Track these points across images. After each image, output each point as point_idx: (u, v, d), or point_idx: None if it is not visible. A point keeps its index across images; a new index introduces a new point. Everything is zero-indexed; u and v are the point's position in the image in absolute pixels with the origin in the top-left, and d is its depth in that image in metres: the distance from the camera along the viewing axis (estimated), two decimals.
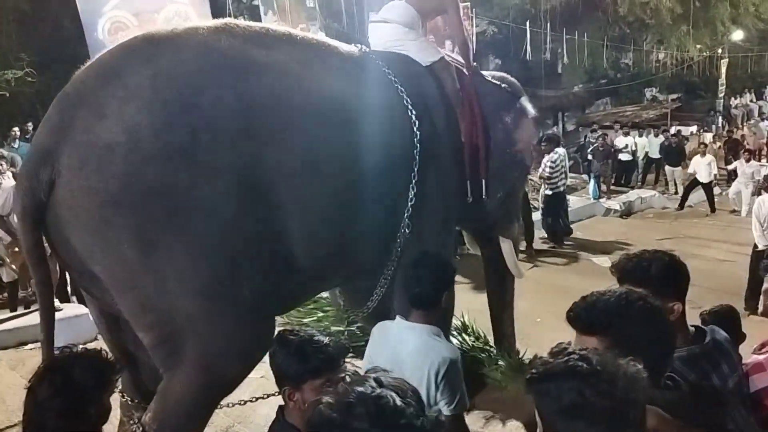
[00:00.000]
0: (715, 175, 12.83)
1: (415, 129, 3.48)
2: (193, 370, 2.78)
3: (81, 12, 9.69)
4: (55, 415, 1.72)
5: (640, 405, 1.31)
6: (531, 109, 4.40)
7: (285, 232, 2.94)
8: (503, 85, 4.27)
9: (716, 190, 13.42)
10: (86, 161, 2.57)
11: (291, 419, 1.95)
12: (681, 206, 12.79)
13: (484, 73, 4.42)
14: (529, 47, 14.05)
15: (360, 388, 1.20)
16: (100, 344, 5.72)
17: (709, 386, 1.74)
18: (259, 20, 11.79)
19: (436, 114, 3.70)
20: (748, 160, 12.84)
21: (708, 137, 17.67)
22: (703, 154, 12.94)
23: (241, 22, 3.29)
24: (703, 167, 12.61)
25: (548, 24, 14.71)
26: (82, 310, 6.20)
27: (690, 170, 12.94)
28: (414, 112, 3.49)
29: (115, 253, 2.65)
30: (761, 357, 2.00)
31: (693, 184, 12.91)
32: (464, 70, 4.01)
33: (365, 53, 3.68)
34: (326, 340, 1.98)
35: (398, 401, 1.17)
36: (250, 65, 2.95)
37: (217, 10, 11.37)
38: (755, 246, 6.96)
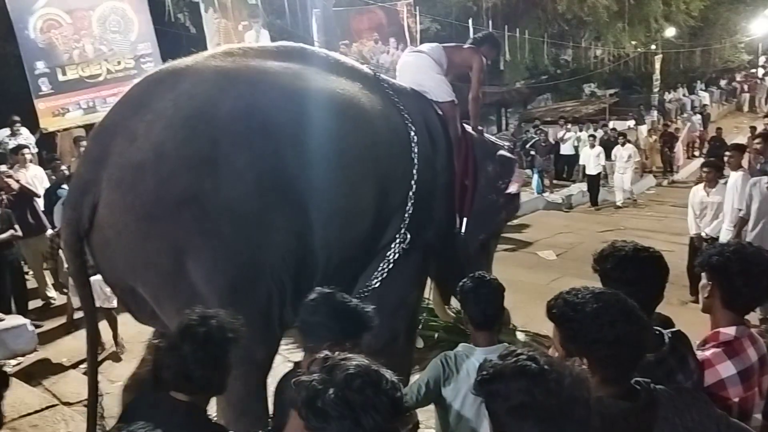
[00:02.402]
0: (603, 166, 12.95)
1: (414, 153, 3.69)
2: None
3: (10, 10, 9.29)
4: (201, 366, 1.97)
5: (587, 403, 1.33)
6: (517, 171, 4.63)
7: (306, 228, 3.14)
8: (506, 145, 4.64)
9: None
10: (121, 181, 2.84)
11: None
12: (594, 203, 12.98)
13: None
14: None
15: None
16: (40, 354, 5.60)
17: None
18: (200, 17, 11.58)
19: (437, 144, 3.96)
20: (623, 144, 13.08)
21: (643, 130, 18.31)
22: (592, 146, 13.07)
23: (254, 45, 3.70)
24: (591, 159, 12.80)
25: (490, 21, 14.91)
26: (22, 321, 6.01)
27: (581, 162, 13.12)
28: (416, 139, 3.72)
29: (154, 264, 2.90)
30: (708, 353, 2.06)
31: (590, 177, 13.08)
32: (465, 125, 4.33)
33: (374, 75, 3.91)
34: (361, 308, 2.18)
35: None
36: (265, 73, 3.21)
37: (156, 7, 11.09)
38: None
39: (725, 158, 6.83)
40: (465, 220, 4.13)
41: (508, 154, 4.53)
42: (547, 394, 1.29)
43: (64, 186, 7.22)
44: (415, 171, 3.69)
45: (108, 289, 5.45)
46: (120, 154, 2.86)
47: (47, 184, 7.72)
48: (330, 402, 1.26)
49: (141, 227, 2.84)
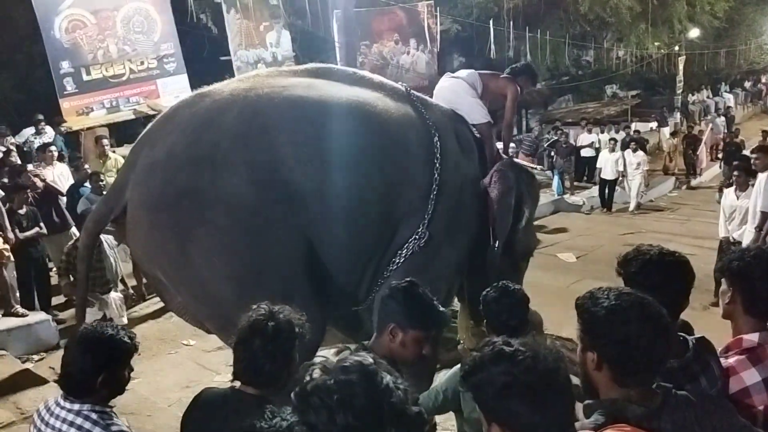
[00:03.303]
0: (620, 172, 12.58)
1: (436, 150, 3.76)
2: None
3: (36, 10, 9.45)
4: (271, 359, 2.04)
5: (565, 373, 1.40)
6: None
7: (309, 220, 3.32)
8: (521, 168, 4.58)
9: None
10: (139, 180, 3.32)
11: (375, 350, 2.17)
12: (608, 208, 12.70)
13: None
14: (492, 45, 14.13)
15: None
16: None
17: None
18: (222, 18, 11.66)
19: (470, 159, 4.07)
20: (635, 150, 12.81)
21: (666, 132, 18.10)
22: (612, 150, 12.76)
23: (287, 67, 3.84)
24: (610, 163, 12.50)
25: (511, 22, 14.82)
26: (44, 317, 6.11)
27: (598, 165, 12.82)
28: (439, 144, 3.78)
29: (164, 252, 3.30)
30: (731, 360, 2.03)
31: (603, 181, 12.77)
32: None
33: (401, 87, 4.04)
34: (435, 306, 2.29)
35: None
36: (273, 88, 3.49)
37: (178, 8, 11.19)
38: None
39: (752, 161, 6.70)
40: (498, 239, 4.10)
41: (529, 196, 4.45)
42: (526, 371, 1.35)
43: (87, 184, 7.33)
44: (437, 174, 3.73)
45: (121, 311, 5.67)
46: (143, 158, 3.36)
47: (72, 182, 7.83)
48: (314, 388, 1.28)
49: (150, 218, 3.28)
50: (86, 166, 8.01)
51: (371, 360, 1.35)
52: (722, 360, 2.03)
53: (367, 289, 3.75)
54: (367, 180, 3.51)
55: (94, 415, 2.05)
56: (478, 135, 4.26)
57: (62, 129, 9.84)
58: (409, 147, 3.72)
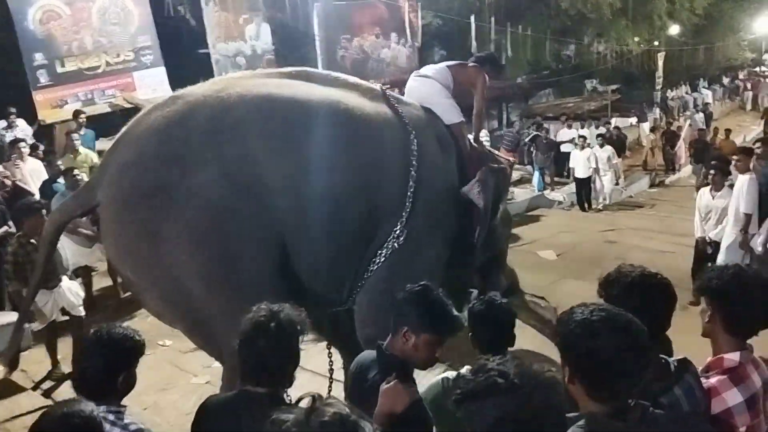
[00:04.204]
0: (594, 169, 12.43)
1: (413, 156, 3.72)
2: (220, 351, 3.29)
3: (9, 1, 9.23)
4: (277, 357, 2.07)
5: (559, 408, 1.40)
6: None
7: (281, 217, 3.29)
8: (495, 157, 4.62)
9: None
10: (111, 181, 3.32)
11: (390, 350, 2.28)
12: (586, 206, 12.51)
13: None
14: (474, 40, 14.10)
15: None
16: (33, 353, 5.55)
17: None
18: (200, 10, 11.50)
19: (448, 159, 4.04)
20: (602, 146, 12.70)
21: (645, 128, 18.22)
22: (582, 147, 12.60)
23: (263, 70, 3.98)
24: (581, 162, 12.35)
25: (493, 17, 14.81)
26: (15, 317, 5.96)
27: (571, 164, 12.69)
28: (415, 141, 3.76)
29: (135, 251, 3.28)
30: (713, 381, 2.00)
31: (578, 181, 12.62)
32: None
33: (375, 87, 4.04)
34: (451, 310, 2.31)
35: None
36: (244, 88, 3.47)
37: (156, 0, 11.00)
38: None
39: (733, 162, 6.73)
40: (479, 232, 4.15)
41: (502, 186, 4.55)
42: (519, 407, 1.36)
43: (60, 180, 7.17)
44: (414, 172, 3.70)
45: (77, 299, 5.49)
46: (116, 158, 3.36)
47: (46, 177, 7.66)
48: None
49: (121, 217, 3.28)
50: (59, 162, 7.83)
51: (348, 410, 1.32)
52: (703, 380, 2.00)
53: (349, 289, 3.71)
54: (342, 177, 3.47)
55: (111, 416, 2.11)
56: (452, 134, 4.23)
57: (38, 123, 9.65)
58: (385, 145, 3.70)
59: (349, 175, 3.50)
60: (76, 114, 9.20)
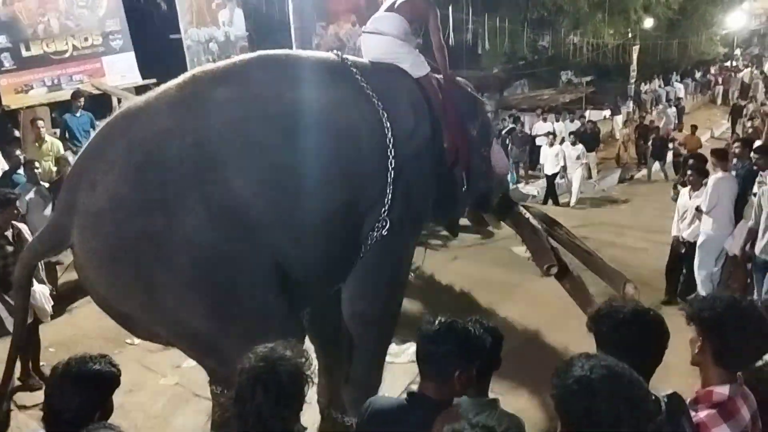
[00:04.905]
0: (562, 167, 12.43)
1: (388, 133, 3.63)
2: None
3: None
4: (279, 415, 1.91)
5: None
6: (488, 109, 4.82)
7: (272, 241, 3.25)
8: (469, 89, 4.53)
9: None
10: (86, 228, 3.14)
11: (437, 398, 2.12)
12: (550, 200, 12.50)
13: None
14: (451, 31, 14.00)
15: None
16: None
17: None
18: None
19: (421, 122, 3.88)
20: (574, 143, 12.73)
21: (618, 121, 18.37)
22: (551, 144, 12.60)
23: (209, 66, 3.58)
24: (550, 158, 12.35)
25: (470, 8, 14.73)
26: None
27: (541, 161, 12.66)
28: (389, 124, 3.63)
29: (131, 298, 3.21)
30: (702, 416, 1.95)
31: (548, 177, 12.65)
32: (441, 78, 4.22)
33: (340, 62, 3.81)
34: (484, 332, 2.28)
35: None
36: (208, 105, 3.26)
37: None
38: None
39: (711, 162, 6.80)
40: (465, 174, 4.21)
41: (487, 117, 4.66)
42: None
43: (20, 171, 6.93)
44: (391, 156, 3.62)
45: (48, 305, 5.31)
46: (83, 203, 3.13)
47: (6, 167, 7.42)
48: None
49: (110, 268, 3.16)
50: (18, 152, 7.55)
51: None
52: (692, 414, 1.95)
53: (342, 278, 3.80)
54: (326, 187, 3.41)
55: None
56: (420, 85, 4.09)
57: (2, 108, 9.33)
58: (361, 139, 3.59)
59: (333, 183, 3.44)
60: (76, 96, 8.85)
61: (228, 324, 3.19)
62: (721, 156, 6.79)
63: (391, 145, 3.62)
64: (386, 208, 3.65)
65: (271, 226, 3.22)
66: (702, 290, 6.52)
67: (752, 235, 5.84)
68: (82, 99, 9.05)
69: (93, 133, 3.70)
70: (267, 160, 3.24)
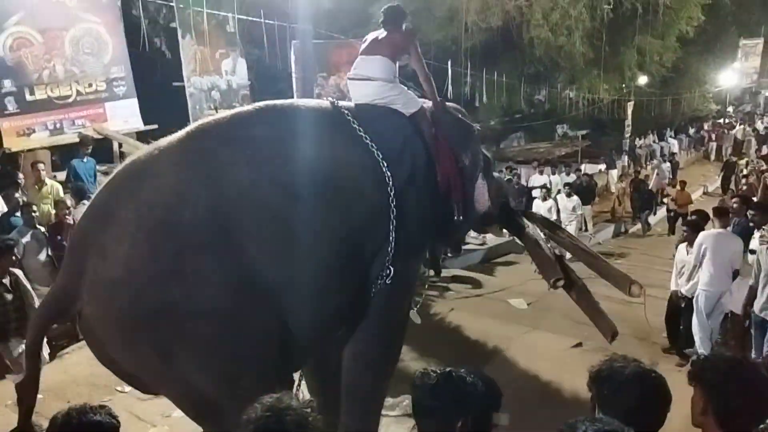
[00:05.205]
0: (556, 220, 12.00)
1: (388, 181, 3.70)
2: None
3: None
4: None
5: None
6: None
7: (283, 308, 3.26)
8: (460, 115, 4.62)
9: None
10: (99, 297, 3.07)
11: None
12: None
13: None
14: (450, 84, 14.25)
15: None
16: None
17: None
18: (176, 43, 11.42)
19: (417, 160, 3.97)
20: (569, 195, 12.79)
21: (614, 175, 18.50)
22: (544, 198, 12.62)
23: (212, 119, 3.57)
24: (542, 212, 11.88)
25: (468, 62, 15.02)
26: None
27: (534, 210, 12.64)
28: (387, 167, 3.70)
29: (144, 367, 3.22)
30: None
31: None
32: (432, 111, 4.32)
33: (337, 112, 3.87)
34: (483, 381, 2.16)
35: None
36: (219, 168, 3.24)
37: (131, 30, 10.90)
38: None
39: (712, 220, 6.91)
40: (459, 206, 4.26)
41: (479, 145, 4.66)
42: None
43: (17, 214, 6.93)
44: (393, 205, 3.69)
45: (45, 354, 5.22)
46: (94, 271, 3.06)
47: (5, 209, 7.41)
48: None
49: (125, 337, 3.10)
50: (17, 194, 7.56)
51: None
52: None
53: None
54: (335, 245, 3.46)
55: None
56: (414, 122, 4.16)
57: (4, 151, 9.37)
58: (364, 191, 3.64)
59: (343, 241, 3.49)
60: (84, 142, 8.95)
61: (236, 386, 3.15)
62: (722, 213, 6.92)
63: (392, 194, 3.68)
64: (390, 256, 3.70)
65: (283, 289, 3.24)
66: (700, 347, 6.49)
67: (753, 294, 5.84)
68: (91, 146, 9.17)
69: (96, 183, 3.68)
70: (278, 225, 3.25)
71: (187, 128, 3.45)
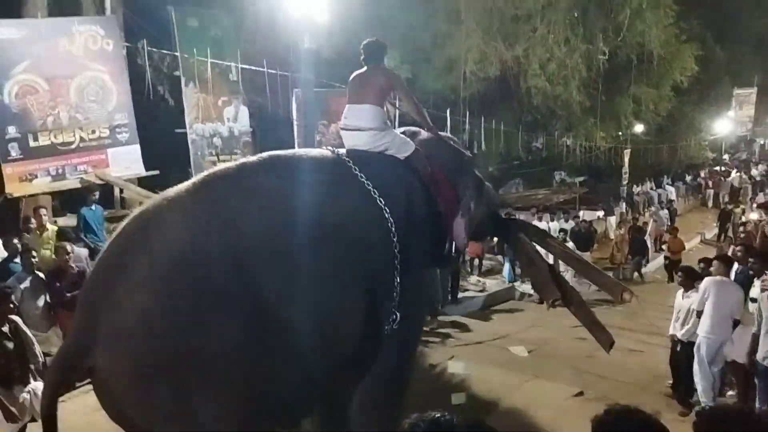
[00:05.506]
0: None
1: (391, 227, 3.81)
2: None
3: None
4: None
5: None
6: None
7: (300, 353, 3.28)
8: (452, 142, 4.79)
9: None
10: (115, 349, 2.99)
11: None
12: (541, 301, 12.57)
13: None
14: (449, 132, 14.42)
15: None
16: None
17: None
18: (179, 90, 11.61)
19: (416, 201, 4.10)
20: (565, 241, 12.45)
21: (612, 221, 18.56)
22: None
23: (219, 170, 3.62)
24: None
25: (467, 110, 15.24)
26: None
27: None
28: (390, 213, 3.82)
29: (162, 417, 3.10)
30: None
31: None
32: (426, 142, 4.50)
33: (340, 160, 4.00)
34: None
35: None
36: (232, 215, 3.28)
37: (136, 79, 11.09)
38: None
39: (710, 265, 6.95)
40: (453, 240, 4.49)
41: (474, 179, 4.76)
42: None
43: (16, 260, 6.92)
44: (397, 252, 3.81)
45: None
46: (108, 323, 3.01)
47: (5, 254, 7.40)
48: None
49: (141, 388, 3.03)
50: (15, 240, 7.57)
51: None
52: None
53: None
54: (348, 292, 3.54)
55: None
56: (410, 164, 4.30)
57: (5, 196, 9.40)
58: (370, 237, 3.74)
59: (350, 284, 3.57)
60: (90, 189, 9.00)
61: (254, 428, 3.18)
62: (726, 260, 6.97)
63: (395, 240, 3.81)
64: (396, 300, 3.82)
65: (300, 335, 3.27)
66: (703, 397, 6.43)
67: (756, 342, 5.81)
68: (97, 192, 9.23)
69: (104, 229, 3.71)
70: (291, 270, 3.29)
71: (195, 178, 3.50)
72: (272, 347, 3.17)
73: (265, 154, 3.84)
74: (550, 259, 6.16)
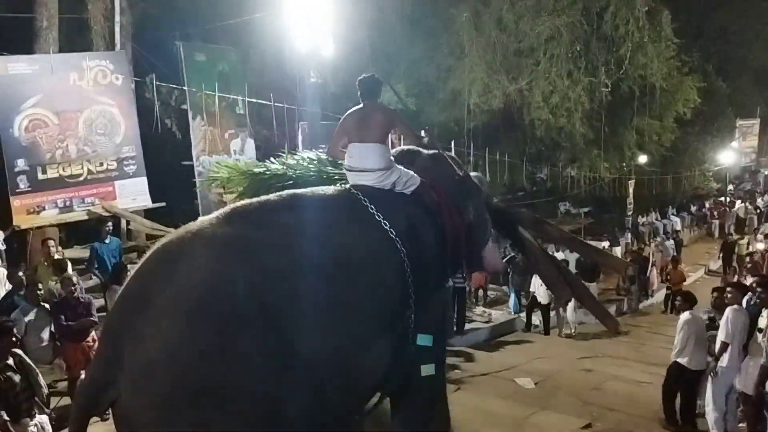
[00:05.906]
0: (552, 296, 11.97)
1: (404, 258, 3.91)
2: None
3: None
4: None
5: None
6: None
7: (322, 386, 3.31)
8: (455, 165, 4.84)
9: None
10: (139, 382, 2.98)
11: None
12: (527, 328, 12.45)
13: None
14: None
15: None
16: None
17: None
18: (186, 123, 11.76)
19: (423, 232, 4.20)
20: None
21: (617, 252, 18.47)
22: None
23: (240, 206, 3.71)
24: (541, 289, 12.02)
25: (471, 143, 15.36)
26: None
27: (531, 289, 12.59)
28: (400, 242, 3.92)
29: None
30: None
31: (532, 304, 12.53)
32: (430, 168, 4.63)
33: (354, 197, 4.09)
34: None
35: None
36: (255, 250, 3.32)
37: (144, 112, 11.26)
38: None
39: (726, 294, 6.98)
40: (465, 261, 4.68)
41: (477, 198, 4.83)
42: None
43: (21, 293, 6.94)
44: (411, 282, 3.90)
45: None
46: (132, 356, 3.00)
47: (9, 287, 7.42)
48: None
49: (164, 421, 2.99)
50: (20, 273, 7.60)
51: None
52: None
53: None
54: (366, 325, 3.63)
55: None
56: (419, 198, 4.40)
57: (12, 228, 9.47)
58: (386, 272, 3.84)
59: (371, 316, 3.68)
60: (101, 222, 9.10)
61: None
62: (741, 289, 7.01)
63: (408, 271, 3.90)
64: (411, 329, 3.95)
65: (323, 371, 3.30)
66: (714, 428, 6.39)
67: (765, 373, 5.77)
68: (110, 224, 9.27)
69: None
70: (314, 304, 3.35)
71: (217, 213, 3.55)
72: (294, 383, 3.16)
73: (284, 193, 3.96)
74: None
